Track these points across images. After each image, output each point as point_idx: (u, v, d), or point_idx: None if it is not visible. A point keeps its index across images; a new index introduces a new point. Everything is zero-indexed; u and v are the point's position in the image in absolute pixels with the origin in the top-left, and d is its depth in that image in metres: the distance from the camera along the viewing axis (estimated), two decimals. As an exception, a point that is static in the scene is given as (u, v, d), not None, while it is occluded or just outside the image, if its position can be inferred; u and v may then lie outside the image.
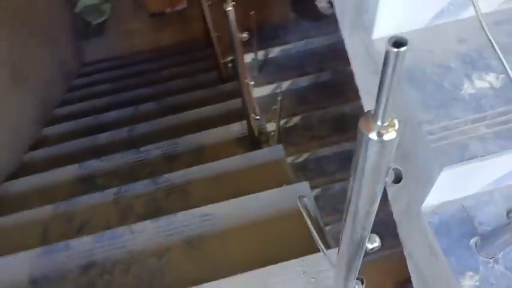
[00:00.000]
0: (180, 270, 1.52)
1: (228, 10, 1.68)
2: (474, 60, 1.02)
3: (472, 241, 0.97)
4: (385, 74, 0.46)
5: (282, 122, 3.96)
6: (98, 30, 4.68)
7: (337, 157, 4.21)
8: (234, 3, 1.68)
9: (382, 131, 0.52)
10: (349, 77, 4.60)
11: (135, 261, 1.57)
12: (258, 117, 2.13)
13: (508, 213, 0.77)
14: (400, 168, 0.64)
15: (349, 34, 1.21)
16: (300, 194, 1.67)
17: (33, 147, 2.76)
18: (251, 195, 1.69)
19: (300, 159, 4.17)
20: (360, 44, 1.14)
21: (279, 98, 3.35)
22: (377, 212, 0.91)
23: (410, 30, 1.07)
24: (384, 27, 1.06)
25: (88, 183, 2.21)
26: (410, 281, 1.19)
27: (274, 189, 1.70)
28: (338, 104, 4.50)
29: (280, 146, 2.07)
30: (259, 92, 4.05)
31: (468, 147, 0.90)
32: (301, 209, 1.33)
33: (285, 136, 4.19)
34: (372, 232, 0.81)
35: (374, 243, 0.81)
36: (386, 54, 0.45)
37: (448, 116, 0.93)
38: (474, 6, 0.94)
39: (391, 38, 0.44)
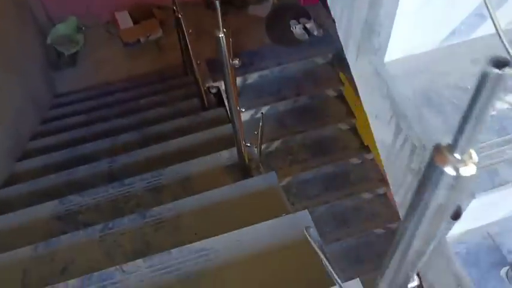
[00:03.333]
0: (178, 313, 1.41)
1: (220, 37, 1.63)
2: (490, 82, 0.99)
3: (503, 271, 0.92)
4: (478, 99, 0.41)
5: (263, 147, 3.92)
6: (71, 61, 4.55)
7: (319, 180, 4.19)
8: (225, 30, 1.64)
9: (459, 165, 0.46)
10: (326, 101, 4.60)
11: (128, 305, 1.45)
12: (248, 144, 2.07)
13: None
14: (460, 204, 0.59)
15: (355, 58, 1.17)
16: (301, 223, 1.60)
17: (6, 183, 2.59)
18: (249, 227, 1.60)
19: (282, 184, 4.12)
20: (368, 68, 1.10)
21: (261, 123, 3.31)
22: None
23: (422, 52, 1.04)
24: (397, 49, 1.02)
25: (69, 221, 2.07)
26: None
27: (272, 220, 1.62)
28: (316, 128, 4.51)
29: (273, 172, 2.01)
30: (238, 118, 4.01)
31: (498, 172, 0.86)
32: (311, 241, 1.26)
33: (266, 161, 4.14)
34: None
35: (413, 282, 0.74)
36: (484, 76, 0.39)
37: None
38: (494, 23, 0.92)
39: (492, 58, 0.38)
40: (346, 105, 4.17)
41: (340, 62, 4.33)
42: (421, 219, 0.55)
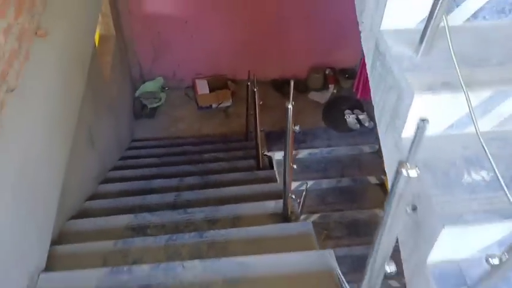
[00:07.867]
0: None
1: (289, 107, 2.18)
2: (473, 161, 1.43)
3: (463, 290, 1.30)
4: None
5: (302, 217, 4.29)
6: (151, 114, 5.34)
7: (349, 259, 4.42)
8: (293, 102, 2.18)
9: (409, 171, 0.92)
10: (367, 186, 4.95)
11: (184, 292, 1.88)
12: (293, 196, 2.53)
13: (486, 258, 1.12)
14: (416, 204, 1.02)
15: (384, 132, 1.66)
16: (326, 259, 2.01)
17: (90, 199, 3.16)
18: (282, 254, 2.02)
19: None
20: (391, 141, 1.58)
21: (304, 192, 3.74)
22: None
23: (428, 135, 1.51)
24: (411, 129, 1.50)
25: (140, 232, 2.56)
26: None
27: (301, 252, 2.03)
28: (354, 210, 4.84)
29: (310, 222, 2.43)
30: (285, 187, 4.46)
31: (462, 216, 1.27)
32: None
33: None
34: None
35: (391, 266, 1.16)
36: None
37: (450, 194, 1.33)
38: (475, 125, 1.38)
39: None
40: (386, 193, 4.52)
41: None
42: (391, 205, 1.00)
